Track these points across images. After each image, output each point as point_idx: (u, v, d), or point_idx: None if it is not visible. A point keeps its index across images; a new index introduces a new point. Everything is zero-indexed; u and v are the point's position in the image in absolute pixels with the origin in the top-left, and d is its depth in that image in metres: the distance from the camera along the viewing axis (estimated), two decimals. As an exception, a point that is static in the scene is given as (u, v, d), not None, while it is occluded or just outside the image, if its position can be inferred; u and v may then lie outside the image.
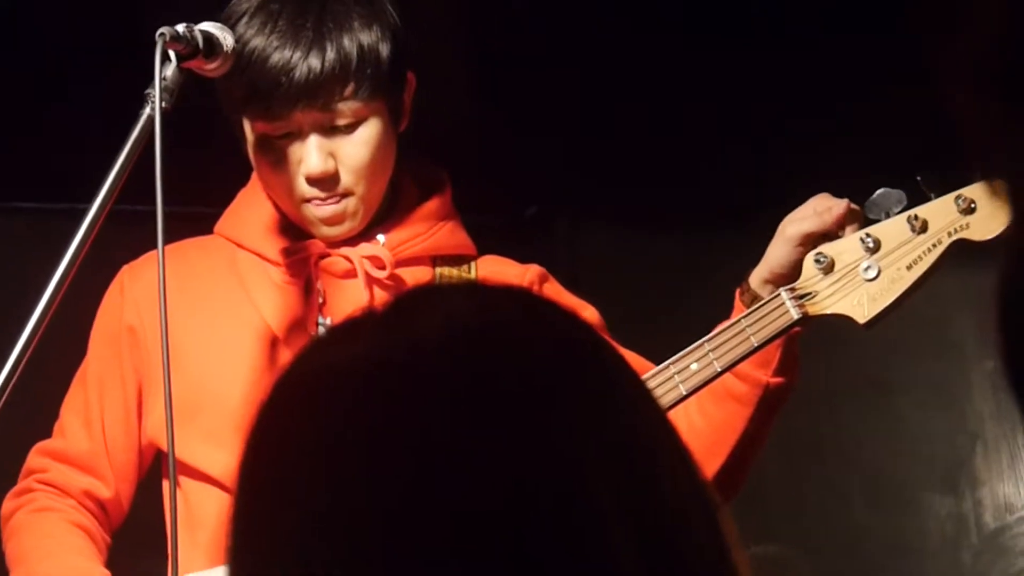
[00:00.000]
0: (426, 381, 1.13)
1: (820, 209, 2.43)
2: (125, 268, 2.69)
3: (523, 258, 2.73)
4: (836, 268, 2.40)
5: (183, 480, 2.57)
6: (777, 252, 2.45)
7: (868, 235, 2.39)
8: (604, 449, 1.13)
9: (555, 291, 2.67)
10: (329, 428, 1.14)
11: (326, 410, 1.15)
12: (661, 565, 1.11)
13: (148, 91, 2.36)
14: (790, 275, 2.44)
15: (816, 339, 2.51)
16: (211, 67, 2.43)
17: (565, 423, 1.13)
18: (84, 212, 2.33)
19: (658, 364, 2.44)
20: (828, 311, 2.41)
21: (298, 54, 2.47)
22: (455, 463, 1.10)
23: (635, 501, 1.12)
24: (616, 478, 1.12)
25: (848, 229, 2.42)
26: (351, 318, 1.21)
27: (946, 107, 1.01)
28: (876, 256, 2.39)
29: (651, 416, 1.19)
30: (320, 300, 2.60)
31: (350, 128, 2.52)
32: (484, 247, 2.74)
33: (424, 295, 1.26)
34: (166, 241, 2.34)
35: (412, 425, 1.12)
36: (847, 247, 2.41)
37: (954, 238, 2.37)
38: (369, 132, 2.54)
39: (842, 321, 2.40)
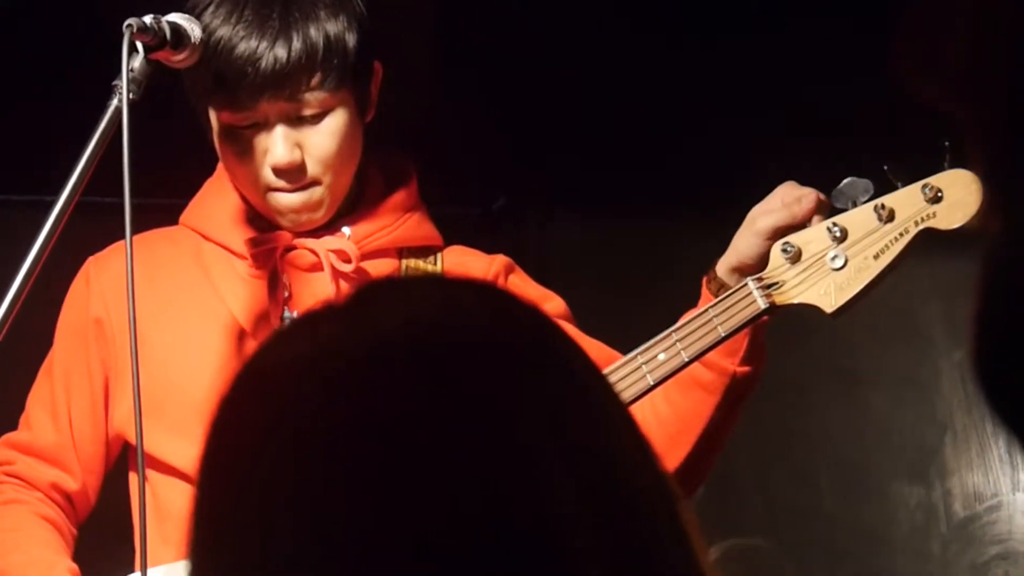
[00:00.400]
0: (391, 374, 1.13)
1: (789, 201, 2.42)
2: (91, 260, 2.68)
3: (492, 250, 2.73)
4: (803, 258, 2.40)
5: (150, 473, 2.56)
6: (745, 243, 2.44)
7: (835, 224, 2.39)
8: (568, 444, 1.13)
9: (521, 281, 2.67)
10: (292, 419, 1.14)
11: (291, 401, 1.15)
12: (626, 558, 1.12)
13: (115, 82, 2.35)
14: (757, 265, 2.43)
15: (784, 329, 2.51)
16: (179, 58, 2.42)
17: (530, 418, 1.13)
18: (51, 204, 2.32)
19: (626, 354, 2.44)
20: (795, 301, 2.40)
21: (264, 44, 2.46)
22: (422, 457, 1.10)
23: (600, 495, 1.12)
24: (581, 472, 1.12)
25: (815, 218, 2.42)
26: (312, 311, 1.20)
27: (940, 110, 1.01)
28: (843, 245, 2.39)
29: (612, 409, 1.19)
30: (286, 294, 2.59)
31: (316, 118, 2.52)
32: (453, 239, 2.74)
33: (385, 288, 1.26)
34: (132, 232, 2.34)
35: (377, 418, 1.11)
36: (814, 236, 2.40)
37: (921, 227, 2.36)
38: (336, 122, 2.53)
39: (809, 311, 2.40)
